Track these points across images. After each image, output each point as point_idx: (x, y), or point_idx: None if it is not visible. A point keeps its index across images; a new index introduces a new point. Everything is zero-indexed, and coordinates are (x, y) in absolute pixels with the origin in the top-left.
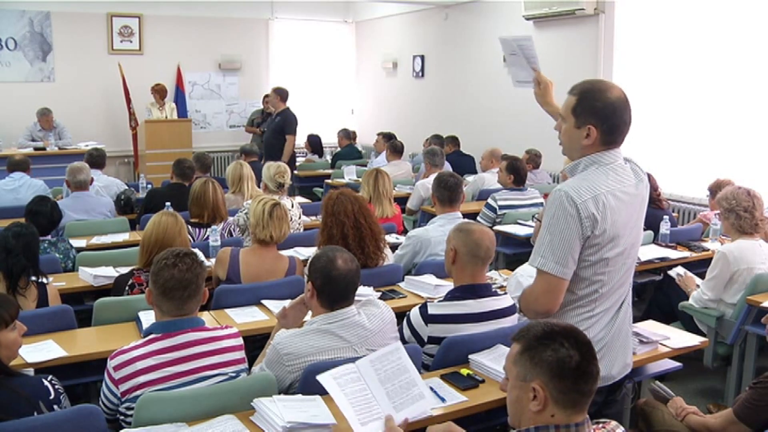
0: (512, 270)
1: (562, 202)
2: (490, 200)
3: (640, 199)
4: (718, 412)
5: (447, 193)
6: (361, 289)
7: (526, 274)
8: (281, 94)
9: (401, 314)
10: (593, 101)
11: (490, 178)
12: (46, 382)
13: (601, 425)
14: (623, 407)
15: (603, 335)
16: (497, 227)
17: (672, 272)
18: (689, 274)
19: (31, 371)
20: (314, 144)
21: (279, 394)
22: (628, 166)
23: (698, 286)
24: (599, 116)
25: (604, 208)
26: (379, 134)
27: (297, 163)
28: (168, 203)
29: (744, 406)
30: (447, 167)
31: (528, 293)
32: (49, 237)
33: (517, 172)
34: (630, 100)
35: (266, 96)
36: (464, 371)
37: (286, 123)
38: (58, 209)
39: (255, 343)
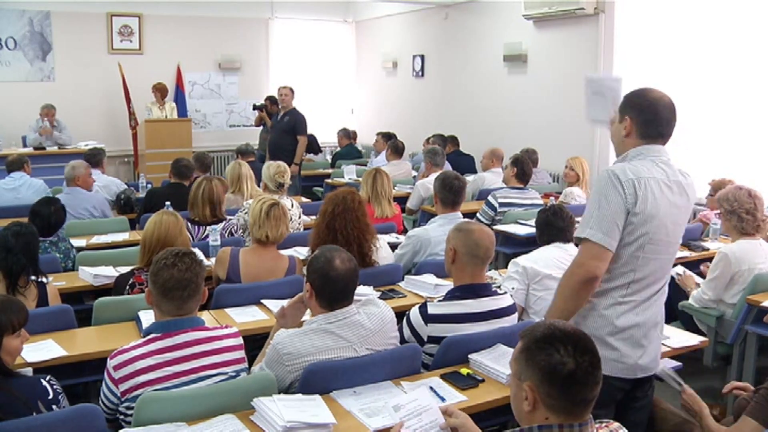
0: None
1: (609, 179)
2: (490, 198)
3: (685, 199)
4: (734, 425)
5: (451, 196)
6: (361, 289)
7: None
8: (294, 93)
9: (401, 314)
10: (632, 97)
11: (490, 178)
12: (44, 382)
13: (604, 425)
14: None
15: (639, 321)
16: (497, 227)
17: (672, 272)
18: (689, 273)
19: (29, 371)
20: (310, 143)
21: (279, 393)
22: (678, 170)
23: (698, 285)
24: (636, 109)
25: (645, 189)
26: (378, 134)
27: None
28: (168, 203)
29: (760, 406)
30: (447, 167)
31: (572, 264)
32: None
33: (521, 166)
34: None
35: (268, 98)
36: (464, 371)
37: (297, 123)
38: (58, 213)
39: (255, 342)
